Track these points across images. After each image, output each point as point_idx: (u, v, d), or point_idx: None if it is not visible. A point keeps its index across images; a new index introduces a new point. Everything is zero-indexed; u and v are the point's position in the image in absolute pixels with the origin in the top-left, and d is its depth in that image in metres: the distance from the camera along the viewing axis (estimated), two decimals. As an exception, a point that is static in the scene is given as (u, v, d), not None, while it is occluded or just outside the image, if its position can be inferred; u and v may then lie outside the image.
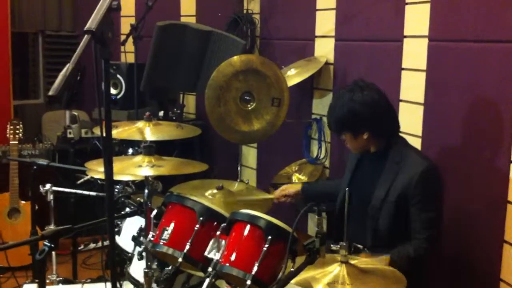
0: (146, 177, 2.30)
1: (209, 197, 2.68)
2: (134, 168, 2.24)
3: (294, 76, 3.36)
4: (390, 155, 2.33)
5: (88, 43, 1.44)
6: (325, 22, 3.44)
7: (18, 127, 3.83)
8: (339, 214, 2.47)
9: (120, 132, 2.51)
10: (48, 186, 2.97)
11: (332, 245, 1.99)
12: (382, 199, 2.28)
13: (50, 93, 1.34)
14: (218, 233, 1.89)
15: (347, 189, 1.98)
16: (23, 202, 3.85)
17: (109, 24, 1.48)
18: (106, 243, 2.92)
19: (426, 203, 2.23)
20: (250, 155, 4.14)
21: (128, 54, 3.97)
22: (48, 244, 1.79)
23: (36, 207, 3.16)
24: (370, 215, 2.32)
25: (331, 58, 3.42)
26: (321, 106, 3.54)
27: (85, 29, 1.44)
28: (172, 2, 3.80)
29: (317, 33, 3.52)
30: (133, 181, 2.98)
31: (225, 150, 4.15)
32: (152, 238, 2.01)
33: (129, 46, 3.71)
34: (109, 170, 1.50)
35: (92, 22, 1.45)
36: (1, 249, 3.02)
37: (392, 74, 2.94)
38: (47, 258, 1.79)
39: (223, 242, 1.87)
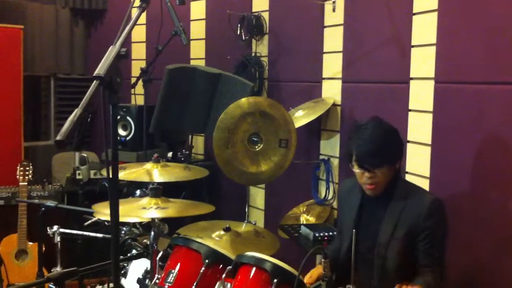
0: (153, 219, 2.30)
1: (216, 238, 2.66)
2: (140, 211, 2.24)
3: (302, 117, 3.38)
4: (395, 194, 2.29)
5: (97, 89, 1.48)
6: (332, 64, 3.48)
7: (28, 168, 3.86)
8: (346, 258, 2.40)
9: (128, 174, 2.53)
10: (55, 227, 2.97)
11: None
12: (389, 235, 2.23)
13: (58, 138, 1.36)
14: (223, 276, 1.88)
15: (353, 230, 1.96)
16: (30, 243, 3.84)
17: (117, 70, 1.51)
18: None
19: (435, 237, 2.19)
20: (258, 195, 4.14)
21: (138, 96, 4.03)
22: (53, 287, 1.78)
23: (44, 249, 3.15)
24: (377, 254, 2.26)
25: (338, 99, 3.44)
26: (329, 147, 3.54)
27: (94, 75, 1.47)
28: (182, 46, 3.88)
29: (324, 75, 3.56)
30: (140, 223, 2.97)
31: (233, 190, 4.15)
32: (157, 281, 2.00)
33: (139, 88, 3.77)
34: (115, 215, 1.50)
35: (100, 68, 1.48)
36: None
37: (399, 116, 2.95)
38: (52, 301, 1.78)
39: (229, 285, 1.86)
